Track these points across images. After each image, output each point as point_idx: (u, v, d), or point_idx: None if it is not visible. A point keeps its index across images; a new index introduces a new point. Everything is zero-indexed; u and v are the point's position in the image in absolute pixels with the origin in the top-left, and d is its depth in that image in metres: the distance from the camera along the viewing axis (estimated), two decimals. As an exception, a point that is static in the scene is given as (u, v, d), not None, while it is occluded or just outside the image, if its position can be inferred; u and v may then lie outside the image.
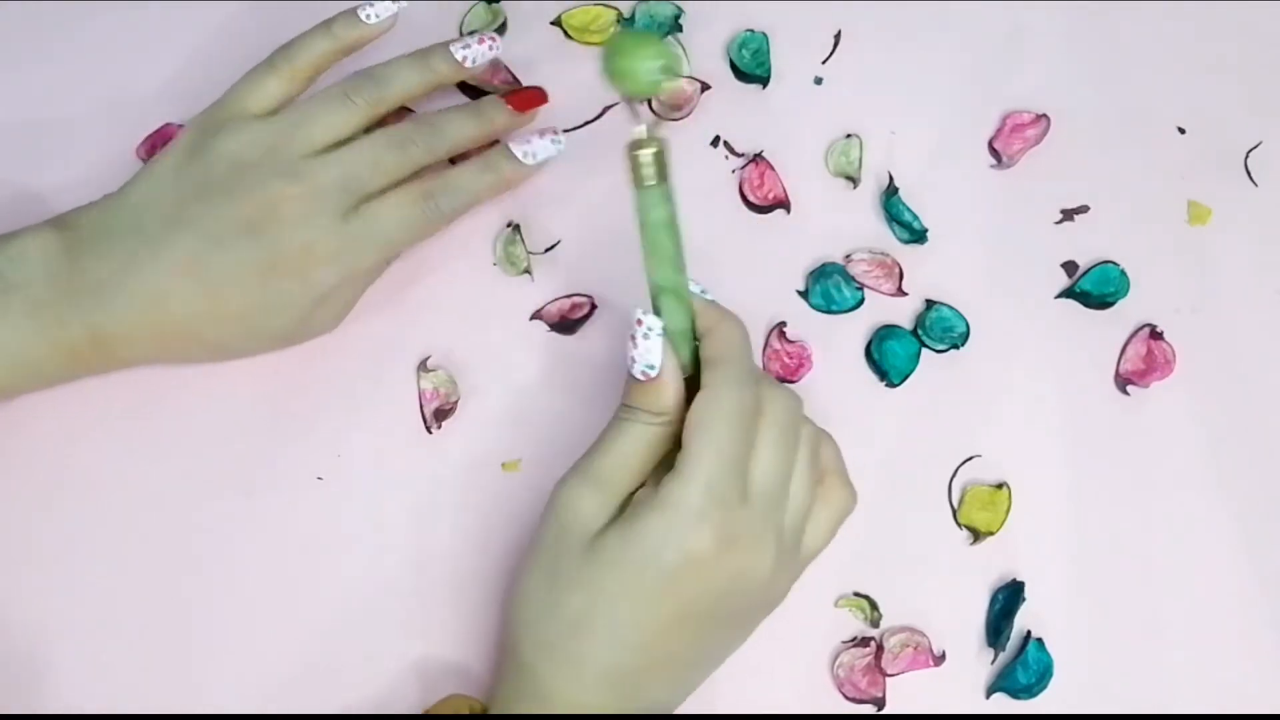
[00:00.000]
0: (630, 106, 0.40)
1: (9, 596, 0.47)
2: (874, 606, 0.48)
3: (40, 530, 0.47)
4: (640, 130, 0.39)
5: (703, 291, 0.43)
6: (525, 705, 0.41)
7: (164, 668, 0.46)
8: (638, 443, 0.41)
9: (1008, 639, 0.48)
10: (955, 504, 0.50)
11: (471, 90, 0.54)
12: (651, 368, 0.40)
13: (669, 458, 0.40)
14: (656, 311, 0.41)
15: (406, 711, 0.46)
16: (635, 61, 0.37)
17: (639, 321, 0.40)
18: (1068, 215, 0.55)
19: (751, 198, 0.54)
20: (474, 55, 0.49)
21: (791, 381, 0.51)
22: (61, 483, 0.48)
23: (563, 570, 0.40)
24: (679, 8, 0.56)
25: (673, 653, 0.40)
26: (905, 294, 0.53)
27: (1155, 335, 0.52)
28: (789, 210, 0.54)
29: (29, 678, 0.45)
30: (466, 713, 0.44)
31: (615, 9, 0.56)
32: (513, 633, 0.42)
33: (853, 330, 0.52)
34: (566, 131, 0.54)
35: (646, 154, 0.39)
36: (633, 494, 0.41)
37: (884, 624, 0.48)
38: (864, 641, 0.48)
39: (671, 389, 0.40)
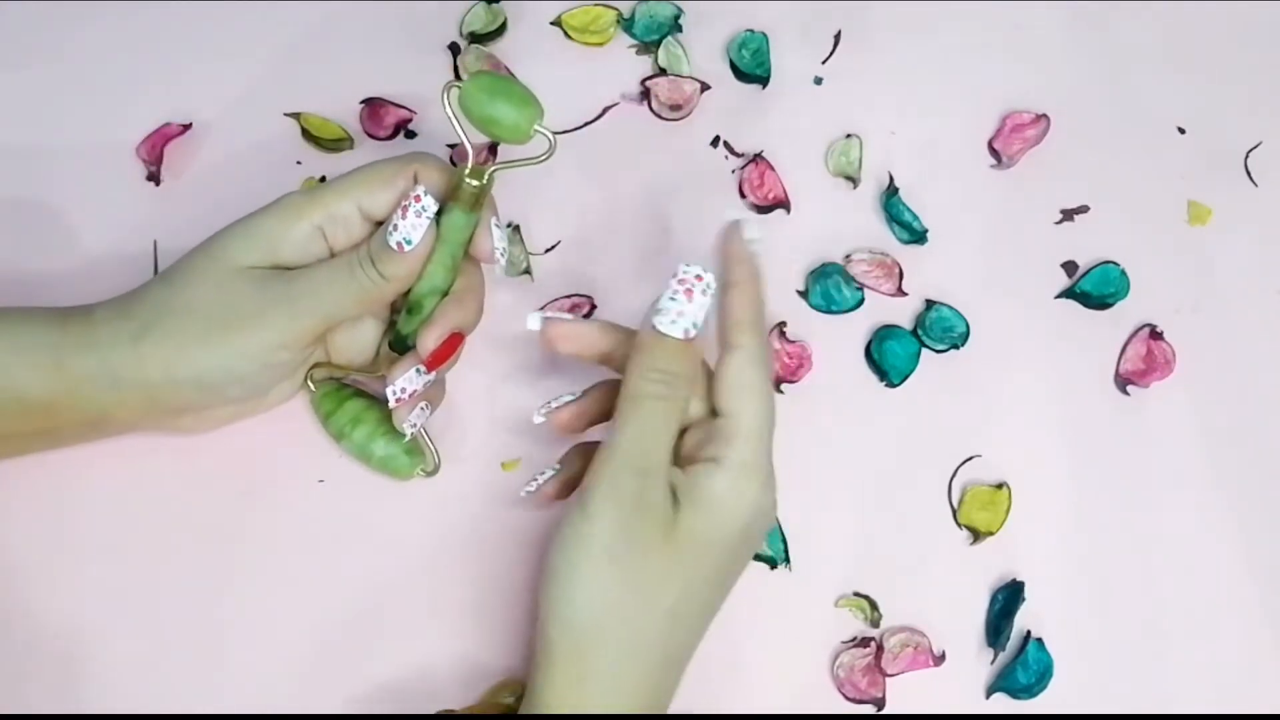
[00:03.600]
0: (471, 142, 0.43)
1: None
2: (874, 606, 0.48)
3: (52, 531, 0.48)
4: (485, 167, 0.43)
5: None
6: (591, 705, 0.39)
7: (162, 667, 0.46)
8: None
9: (1008, 639, 0.48)
10: (955, 504, 0.50)
11: None
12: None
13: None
14: (413, 310, 0.45)
15: (411, 710, 0.46)
16: (520, 115, 0.41)
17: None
18: (1068, 215, 0.55)
19: (751, 198, 0.54)
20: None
21: (791, 382, 0.51)
22: (62, 486, 0.48)
23: (650, 566, 0.39)
24: (679, 8, 0.56)
25: (714, 604, 0.42)
26: (905, 294, 0.53)
27: (1155, 335, 0.52)
28: (789, 210, 0.54)
29: (22, 673, 0.46)
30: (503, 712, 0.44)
31: (615, 9, 0.56)
32: (575, 641, 0.39)
33: (853, 330, 0.52)
34: (566, 132, 0.54)
35: (474, 184, 0.43)
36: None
37: (884, 624, 0.48)
38: (864, 641, 0.48)
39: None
